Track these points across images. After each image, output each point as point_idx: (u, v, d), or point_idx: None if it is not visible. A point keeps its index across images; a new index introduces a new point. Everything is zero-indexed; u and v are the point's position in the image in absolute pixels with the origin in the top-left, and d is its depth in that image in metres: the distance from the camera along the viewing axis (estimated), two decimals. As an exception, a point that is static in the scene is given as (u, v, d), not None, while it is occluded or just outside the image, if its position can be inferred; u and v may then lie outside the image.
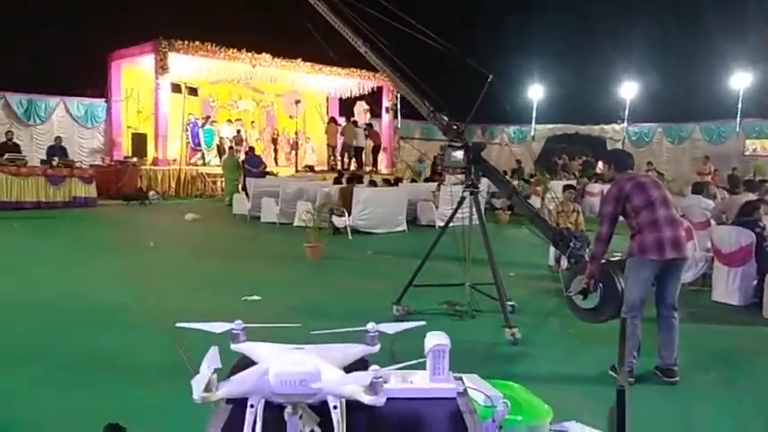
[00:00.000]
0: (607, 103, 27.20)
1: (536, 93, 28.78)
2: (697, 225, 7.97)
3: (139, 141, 18.90)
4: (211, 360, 1.23)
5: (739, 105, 24.34)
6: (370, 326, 1.37)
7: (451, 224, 5.87)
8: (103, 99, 20.16)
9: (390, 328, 1.39)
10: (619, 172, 4.54)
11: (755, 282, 6.60)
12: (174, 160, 19.20)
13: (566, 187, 9.32)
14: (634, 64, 26.00)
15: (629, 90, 26.70)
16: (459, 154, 5.69)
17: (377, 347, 1.38)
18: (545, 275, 8.17)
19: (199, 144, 20.54)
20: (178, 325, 1.40)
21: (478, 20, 26.25)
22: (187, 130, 20.04)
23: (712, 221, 8.54)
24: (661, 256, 4.17)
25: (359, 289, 7.18)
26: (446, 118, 5.78)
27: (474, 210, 5.75)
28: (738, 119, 24.51)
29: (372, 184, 13.52)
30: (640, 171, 6.98)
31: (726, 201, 9.60)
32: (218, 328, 1.40)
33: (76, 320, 5.57)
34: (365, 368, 1.27)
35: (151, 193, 17.01)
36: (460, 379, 1.43)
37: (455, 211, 5.77)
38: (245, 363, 1.32)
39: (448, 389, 1.36)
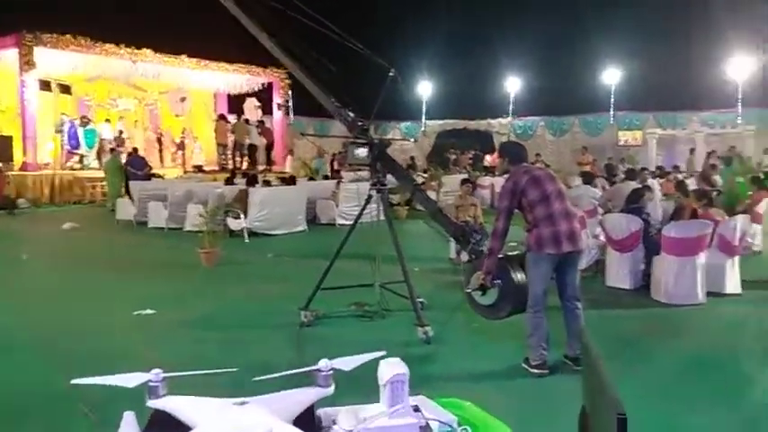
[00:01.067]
0: (493, 98, 28.30)
1: (426, 89, 29.31)
2: (586, 213, 8.34)
3: (4, 144, 17.26)
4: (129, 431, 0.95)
5: (611, 99, 26.15)
6: (323, 363, 1.14)
7: (352, 221, 5.71)
8: (-42, 98, 18.15)
9: (346, 363, 1.17)
10: (513, 165, 4.50)
11: (643, 266, 6.98)
12: (47, 164, 17.65)
13: (463, 181, 9.45)
14: (517, 60, 27.22)
15: (513, 85, 27.87)
16: (363, 151, 5.55)
17: (331, 389, 1.15)
18: (447, 269, 8.21)
19: (77, 146, 18.96)
20: (74, 382, 1.10)
21: (369, 17, 26.30)
22: (62, 131, 18.46)
23: (599, 209, 9.01)
24: (558, 250, 4.20)
25: (261, 295, 6.84)
26: (351, 114, 5.61)
27: (381, 207, 5.63)
28: (612, 112, 26.33)
29: (266, 183, 13.08)
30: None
31: (611, 189, 10.17)
32: (129, 380, 1.07)
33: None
34: (312, 414, 1.05)
35: (20, 200, 15.53)
36: (417, 409, 1.24)
37: (362, 208, 5.62)
38: (167, 423, 1.03)
39: (410, 424, 1.17)
